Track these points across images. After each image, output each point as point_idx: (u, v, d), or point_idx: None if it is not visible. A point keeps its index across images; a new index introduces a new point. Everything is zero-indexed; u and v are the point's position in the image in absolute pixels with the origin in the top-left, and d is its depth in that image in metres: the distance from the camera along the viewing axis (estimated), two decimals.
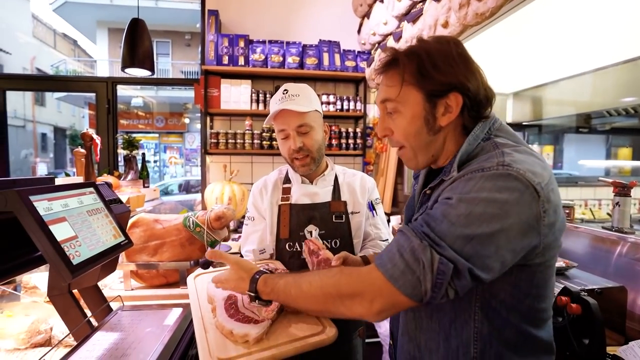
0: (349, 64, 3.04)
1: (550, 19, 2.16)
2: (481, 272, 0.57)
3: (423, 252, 0.58)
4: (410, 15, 2.06)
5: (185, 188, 9.23)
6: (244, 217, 1.34)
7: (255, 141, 2.94)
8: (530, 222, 0.58)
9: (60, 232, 0.79)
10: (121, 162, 3.03)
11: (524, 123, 3.33)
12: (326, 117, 3.14)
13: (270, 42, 2.96)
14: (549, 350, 0.70)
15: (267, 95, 2.96)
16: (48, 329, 1.15)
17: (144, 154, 2.64)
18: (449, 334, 0.69)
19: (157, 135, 14.01)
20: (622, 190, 1.28)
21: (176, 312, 1.08)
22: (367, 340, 1.37)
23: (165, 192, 8.50)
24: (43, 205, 0.78)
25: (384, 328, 2.12)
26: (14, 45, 11.22)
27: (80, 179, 1.73)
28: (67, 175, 2.19)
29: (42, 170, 11.87)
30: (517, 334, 0.66)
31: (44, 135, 13.13)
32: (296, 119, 1.14)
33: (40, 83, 3.72)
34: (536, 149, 3.76)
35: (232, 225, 2.78)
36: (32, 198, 0.76)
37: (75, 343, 0.91)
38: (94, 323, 1.02)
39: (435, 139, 0.72)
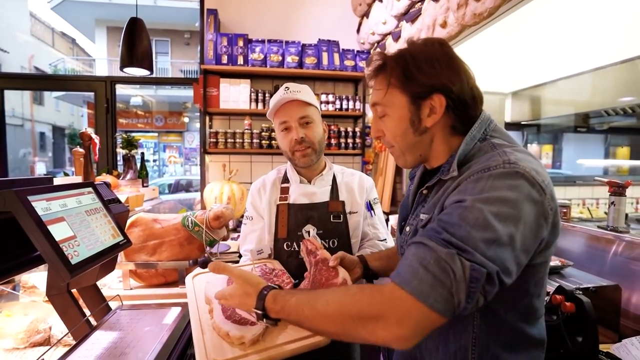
0: (348, 63, 3.05)
1: (548, 19, 2.16)
2: (505, 276, 0.55)
3: (452, 261, 0.53)
4: (409, 15, 2.06)
5: (176, 188, 8.74)
6: (243, 216, 1.34)
7: (255, 141, 2.95)
8: (539, 221, 0.59)
9: (58, 232, 0.79)
10: (120, 162, 3.03)
11: (523, 122, 3.34)
12: (325, 116, 3.16)
13: (269, 41, 2.96)
14: (539, 345, 0.70)
15: (267, 95, 2.97)
16: (47, 328, 1.16)
17: (142, 154, 2.64)
18: (448, 338, 0.69)
19: (156, 134, 14.00)
20: (618, 190, 1.29)
21: (175, 312, 1.08)
22: None
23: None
24: (41, 205, 0.79)
25: None
26: (12, 44, 11.18)
27: (79, 179, 1.74)
28: (66, 174, 2.20)
29: (40, 169, 11.86)
30: (512, 332, 0.67)
31: (42, 134, 13.10)
32: (298, 111, 1.16)
33: (38, 82, 3.72)
34: (535, 149, 3.78)
35: (231, 224, 2.79)
36: (30, 198, 0.76)
37: (74, 342, 0.91)
38: (93, 322, 1.03)
39: (421, 139, 0.73)
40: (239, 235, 2.50)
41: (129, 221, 1.38)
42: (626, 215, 1.48)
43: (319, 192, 1.24)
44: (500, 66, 2.71)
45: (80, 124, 14.77)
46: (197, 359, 0.69)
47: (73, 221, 0.86)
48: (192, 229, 1.38)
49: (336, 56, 3.02)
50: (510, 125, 3.28)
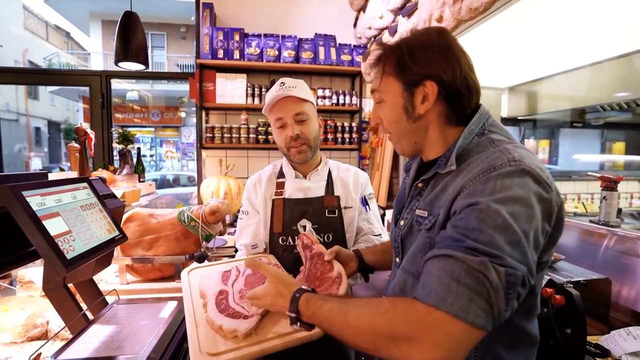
0: (345, 58, 3.04)
1: (545, 13, 2.16)
2: (530, 276, 0.54)
3: (486, 269, 0.50)
4: (406, 9, 2.05)
5: (161, 184, 8.38)
6: (239, 211, 1.35)
7: (251, 135, 2.94)
8: (548, 217, 0.59)
9: (53, 227, 0.79)
10: (116, 157, 3.02)
11: (519, 118, 3.35)
12: (322, 111, 3.16)
13: (265, 35, 2.94)
14: (534, 342, 0.71)
15: (263, 90, 2.96)
16: (44, 322, 1.16)
17: (139, 149, 2.64)
18: None
19: (153, 129, 13.93)
20: (610, 185, 1.30)
21: (171, 306, 1.09)
22: None
23: None
24: (36, 200, 0.79)
25: None
26: (5, 37, 11.03)
27: (74, 174, 1.73)
28: (62, 170, 2.19)
29: (36, 164, 11.78)
30: (514, 331, 0.67)
31: (37, 129, 13.00)
32: (294, 107, 1.17)
33: (33, 77, 3.69)
34: (532, 144, 3.80)
35: (228, 219, 2.80)
36: (24, 193, 0.77)
37: (71, 336, 0.92)
38: (90, 317, 1.03)
39: (416, 126, 0.74)
40: (235, 230, 2.51)
41: (125, 216, 1.38)
42: (620, 209, 1.50)
43: (314, 187, 1.25)
44: (497, 61, 2.71)
45: (76, 118, 14.65)
46: (191, 352, 0.70)
47: (68, 216, 0.86)
48: (188, 224, 1.38)
49: (333, 51, 3.01)
50: (507, 121, 3.29)
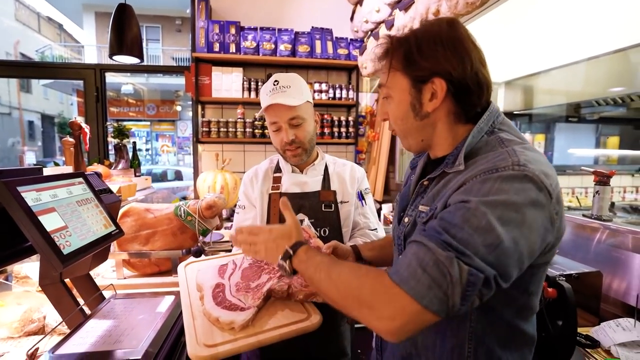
0: (342, 51, 3.02)
1: (542, 8, 2.16)
2: (503, 280, 0.55)
3: (450, 264, 0.54)
4: (403, 3, 2.04)
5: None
6: (236, 205, 1.35)
7: (247, 130, 2.93)
8: (546, 225, 0.58)
9: (49, 222, 0.79)
10: (112, 151, 3.00)
11: (515, 112, 3.36)
12: (318, 105, 3.15)
13: (261, 29, 2.92)
14: (530, 342, 0.71)
15: (259, 83, 2.94)
16: (41, 317, 1.17)
17: (134, 143, 2.62)
18: (446, 334, 0.69)
19: (148, 123, 13.81)
20: (603, 179, 1.32)
21: (168, 300, 1.10)
22: (356, 326, 1.41)
23: None
24: (31, 195, 0.79)
25: None
26: None
27: (69, 169, 1.72)
28: (57, 164, 2.17)
29: (30, 159, 11.67)
30: (507, 329, 0.67)
31: (31, 123, 12.84)
32: (288, 112, 1.14)
33: (26, 70, 3.63)
34: (528, 138, 3.82)
35: (224, 213, 2.80)
36: (20, 189, 0.76)
37: (68, 331, 0.92)
38: (87, 311, 1.04)
39: (423, 124, 0.71)
40: (231, 225, 2.51)
41: (121, 211, 1.38)
42: (613, 203, 1.52)
43: (310, 181, 1.25)
44: (494, 55, 2.71)
45: (70, 112, 14.49)
46: (188, 344, 0.71)
47: (64, 211, 0.86)
48: (184, 219, 1.39)
49: (329, 44, 2.99)
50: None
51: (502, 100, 3.29)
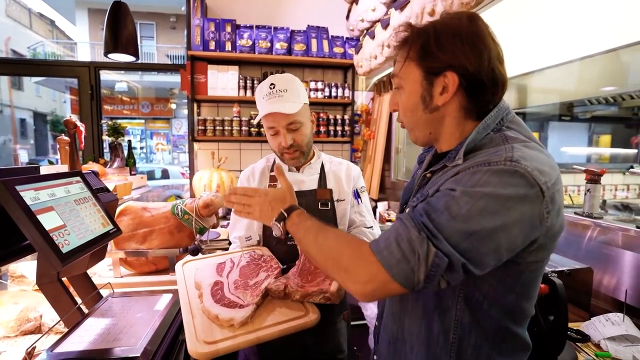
0: (337, 50, 3.03)
1: (536, 8, 2.19)
2: (475, 267, 0.57)
3: (420, 243, 0.57)
4: (398, 2, 2.05)
5: None
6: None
7: (243, 128, 2.93)
8: (533, 222, 0.58)
9: (48, 221, 0.79)
10: (106, 149, 2.98)
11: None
12: (314, 103, 3.16)
13: (257, 27, 2.91)
14: (525, 347, 0.71)
15: (255, 82, 2.94)
16: (37, 316, 1.16)
17: (130, 141, 2.61)
18: (432, 319, 0.70)
19: (142, 121, 13.71)
20: (594, 178, 1.34)
21: (166, 298, 1.10)
22: (352, 323, 1.42)
23: None
24: (30, 195, 0.79)
25: (370, 311, 2.19)
26: None
27: (64, 167, 1.71)
28: (51, 163, 2.16)
29: (22, 157, 11.53)
30: (497, 328, 0.67)
31: (22, 120, 12.68)
32: (286, 118, 1.14)
33: (18, 67, 3.58)
34: None
35: (220, 212, 2.80)
36: (18, 188, 0.76)
37: (66, 330, 0.93)
38: (85, 310, 1.04)
39: (432, 117, 0.71)
40: (228, 223, 2.51)
41: (118, 210, 1.38)
42: (604, 201, 1.55)
43: (307, 180, 1.26)
44: None
45: (63, 110, 14.33)
46: (188, 341, 0.71)
47: (62, 210, 0.86)
48: (181, 217, 1.39)
49: (325, 43, 3.00)
50: None
51: None
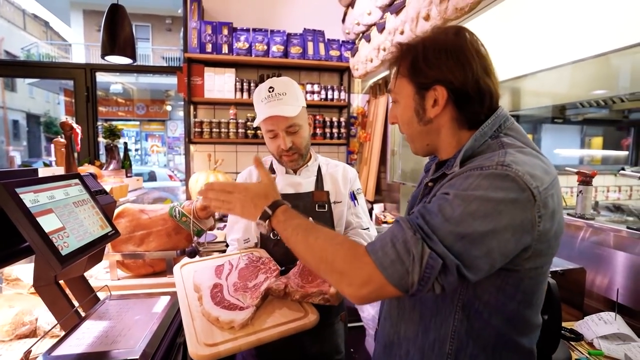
0: (334, 53, 3.05)
1: (529, 12, 2.23)
2: (468, 271, 0.57)
3: (415, 244, 0.57)
4: (394, 6, 2.08)
5: None
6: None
7: (240, 130, 2.94)
8: (525, 226, 0.58)
9: (47, 223, 0.80)
10: (102, 152, 2.97)
11: None
12: (310, 106, 3.16)
13: (254, 30, 2.93)
14: (528, 358, 0.69)
15: (252, 84, 2.95)
16: (33, 320, 1.15)
17: (126, 143, 2.60)
18: (429, 327, 0.70)
19: (137, 123, 13.64)
20: (585, 179, 1.37)
21: (164, 300, 1.11)
22: (349, 325, 1.43)
23: None
24: (29, 197, 0.79)
25: (366, 312, 2.20)
26: None
27: (61, 170, 1.71)
28: (47, 165, 2.15)
29: (15, 159, 11.40)
30: (496, 337, 0.66)
31: (15, 122, 12.55)
32: (285, 121, 1.15)
33: (13, 68, 3.56)
34: None
35: (217, 214, 2.79)
36: (18, 190, 0.77)
37: (62, 334, 0.92)
38: (82, 313, 1.04)
39: (427, 129, 0.74)
40: (225, 225, 2.51)
41: (115, 212, 1.38)
42: (597, 202, 1.58)
43: (304, 182, 1.27)
44: None
45: (56, 111, 14.19)
46: (189, 343, 0.71)
47: (61, 213, 0.86)
48: (179, 219, 1.39)
49: (321, 46, 3.02)
50: None
51: None
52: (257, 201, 0.81)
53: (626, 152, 3.46)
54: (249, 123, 2.96)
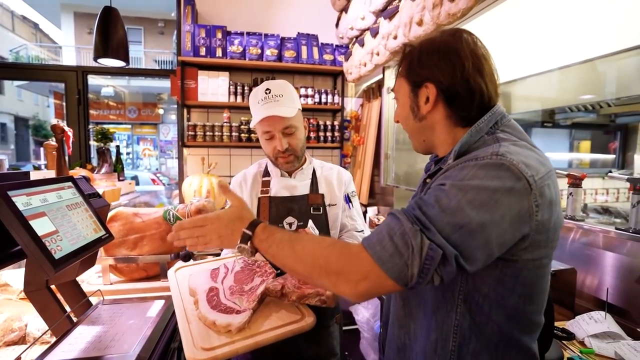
0: (327, 57, 3.07)
1: (519, 19, 2.28)
2: (465, 261, 0.57)
3: (414, 236, 0.57)
4: (387, 11, 2.11)
5: None
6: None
7: (234, 134, 2.93)
8: (522, 215, 0.58)
9: (40, 227, 0.78)
10: (93, 155, 2.94)
11: None
12: (304, 110, 3.17)
13: (248, 34, 2.93)
14: (532, 359, 0.69)
15: (246, 88, 2.95)
16: (22, 326, 1.13)
17: (118, 147, 2.58)
18: (430, 325, 0.70)
19: (129, 126, 13.51)
20: (575, 182, 1.40)
21: (158, 304, 1.09)
22: (344, 328, 1.43)
23: None
24: (22, 200, 0.78)
25: (361, 315, 2.20)
26: None
27: (52, 173, 1.69)
28: (37, 168, 2.12)
29: (4, 162, 11.17)
30: (499, 334, 0.65)
31: (3, 125, 12.33)
32: (282, 122, 1.16)
33: (2, 70, 3.51)
34: None
35: None
36: (10, 193, 0.75)
37: (53, 340, 0.91)
38: (74, 319, 1.02)
39: (421, 126, 0.76)
40: None
41: (108, 215, 1.36)
42: (585, 205, 1.61)
43: (299, 185, 1.27)
44: None
45: (46, 114, 13.99)
46: (185, 348, 0.71)
47: (54, 216, 0.85)
48: (173, 223, 1.38)
49: (315, 50, 3.04)
50: None
51: None
52: (233, 226, 0.77)
53: (613, 156, 3.54)
54: (242, 127, 2.96)
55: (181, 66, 2.80)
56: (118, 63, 2.39)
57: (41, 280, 0.94)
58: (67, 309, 1.02)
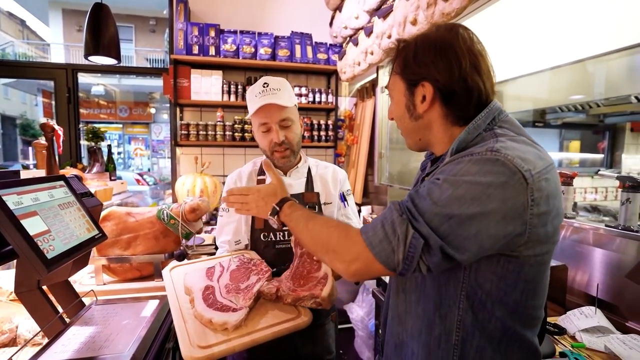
0: (321, 56, 3.07)
1: (511, 19, 2.31)
2: (455, 251, 0.58)
3: (400, 225, 0.61)
4: (381, 11, 2.11)
5: None
6: (216, 209, 1.35)
7: (227, 133, 2.92)
8: (516, 209, 0.57)
9: (32, 226, 0.77)
10: (84, 154, 2.89)
11: None
12: (298, 109, 3.17)
13: (241, 32, 2.92)
14: (534, 355, 0.69)
15: (239, 87, 2.93)
16: (13, 328, 1.11)
17: (109, 146, 2.54)
18: (433, 321, 0.69)
19: (120, 125, 13.33)
20: (566, 180, 1.42)
21: (152, 304, 1.08)
22: (340, 327, 1.43)
23: None
24: (12, 199, 0.76)
25: (355, 314, 2.21)
26: None
27: (42, 173, 1.66)
28: (26, 168, 2.08)
29: None
30: (502, 329, 0.65)
31: None
32: (279, 113, 1.15)
33: None
34: None
35: (204, 217, 2.76)
36: (0, 192, 0.74)
37: (44, 342, 0.89)
38: (66, 320, 1.01)
39: (418, 125, 0.75)
40: (212, 229, 2.48)
41: (101, 215, 1.34)
42: (575, 203, 1.64)
43: (294, 183, 1.27)
44: None
45: (34, 113, 13.71)
46: (182, 346, 0.71)
47: (46, 215, 0.84)
48: (167, 222, 1.37)
49: (309, 49, 3.03)
50: None
51: None
52: (268, 199, 0.93)
53: (602, 155, 3.61)
54: (236, 126, 2.94)
55: (174, 64, 2.78)
56: (109, 61, 2.35)
57: (33, 280, 0.93)
58: (60, 309, 1.01)
